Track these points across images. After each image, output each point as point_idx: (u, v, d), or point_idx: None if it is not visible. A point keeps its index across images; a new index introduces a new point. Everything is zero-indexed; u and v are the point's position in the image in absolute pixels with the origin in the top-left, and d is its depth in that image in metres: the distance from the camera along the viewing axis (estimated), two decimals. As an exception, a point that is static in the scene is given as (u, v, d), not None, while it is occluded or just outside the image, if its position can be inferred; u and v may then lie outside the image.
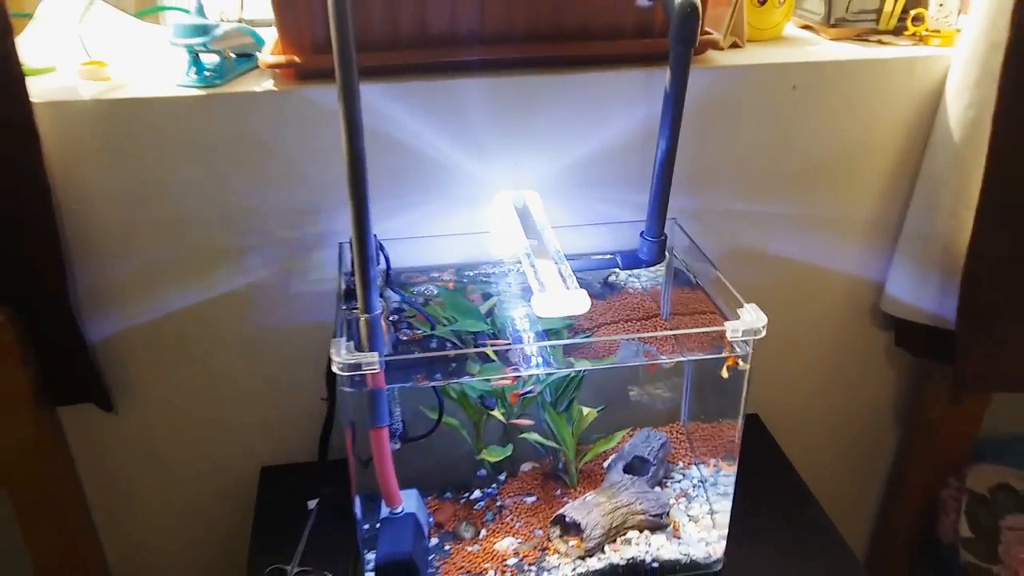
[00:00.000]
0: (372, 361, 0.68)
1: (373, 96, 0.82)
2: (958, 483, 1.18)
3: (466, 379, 0.80)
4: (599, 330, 0.87)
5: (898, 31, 1.01)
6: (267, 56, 0.82)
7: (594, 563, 0.82)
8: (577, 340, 0.84)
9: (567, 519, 0.83)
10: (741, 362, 0.76)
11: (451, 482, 0.92)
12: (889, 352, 1.14)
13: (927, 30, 0.98)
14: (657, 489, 0.90)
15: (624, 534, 0.85)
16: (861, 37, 1.01)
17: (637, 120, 0.89)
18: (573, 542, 0.83)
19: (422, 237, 0.90)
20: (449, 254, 0.92)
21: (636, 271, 0.94)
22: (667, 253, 0.90)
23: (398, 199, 0.89)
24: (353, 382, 0.70)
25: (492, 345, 0.79)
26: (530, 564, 0.83)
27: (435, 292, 0.89)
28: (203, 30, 0.81)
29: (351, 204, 0.64)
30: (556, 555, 0.83)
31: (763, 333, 0.74)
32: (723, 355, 0.77)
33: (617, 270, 0.93)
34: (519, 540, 0.85)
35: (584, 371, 0.84)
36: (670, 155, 0.81)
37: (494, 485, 0.92)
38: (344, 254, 0.86)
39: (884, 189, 1.01)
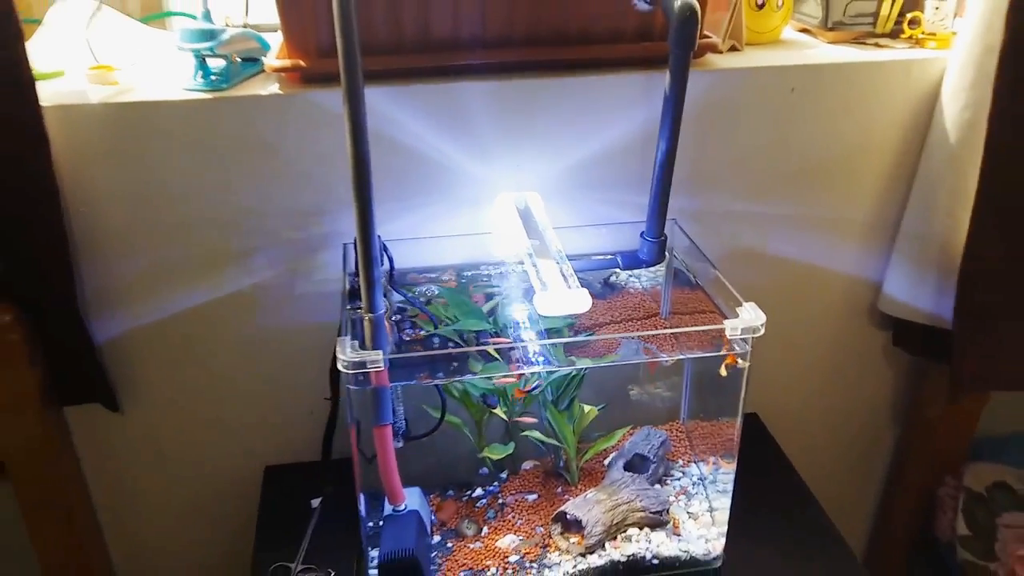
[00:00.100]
0: (376, 359, 0.69)
1: (377, 99, 0.83)
2: (956, 481, 1.19)
3: (468, 377, 0.81)
4: (600, 329, 0.88)
5: (895, 34, 1.02)
6: (272, 60, 0.83)
7: (595, 560, 0.83)
8: (578, 339, 0.84)
9: (568, 516, 0.84)
10: (740, 360, 0.77)
11: (453, 480, 0.93)
12: (887, 351, 1.15)
13: (923, 33, 0.99)
14: (657, 487, 0.91)
15: (624, 531, 0.85)
16: (858, 40, 1.02)
17: (637, 122, 0.90)
18: (574, 539, 0.84)
19: (425, 238, 0.91)
20: (452, 255, 0.93)
21: (636, 271, 0.94)
22: (667, 253, 0.91)
23: (401, 201, 0.90)
24: (358, 380, 0.70)
25: (494, 344, 0.80)
26: (531, 561, 0.83)
27: (437, 292, 0.90)
28: (210, 35, 0.82)
29: (355, 206, 0.64)
30: (557, 552, 0.84)
31: (762, 331, 0.74)
32: (722, 353, 0.77)
33: (618, 270, 0.93)
34: (521, 537, 0.86)
35: (585, 369, 0.85)
36: (670, 157, 0.81)
37: (496, 483, 0.93)
38: (348, 255, 0.86)
39: (881, 190, 1.01)
